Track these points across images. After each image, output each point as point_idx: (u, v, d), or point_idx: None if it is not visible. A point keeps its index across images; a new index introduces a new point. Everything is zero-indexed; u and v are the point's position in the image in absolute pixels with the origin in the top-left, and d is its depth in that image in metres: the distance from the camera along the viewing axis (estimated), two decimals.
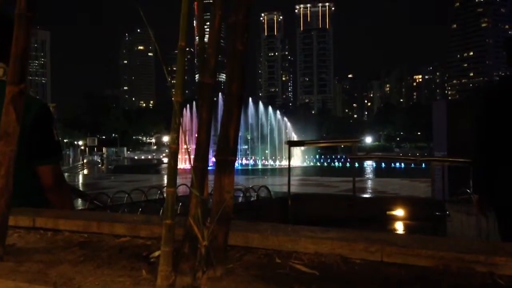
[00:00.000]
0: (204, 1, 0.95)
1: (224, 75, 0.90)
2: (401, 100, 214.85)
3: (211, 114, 0.85)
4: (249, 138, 56.17)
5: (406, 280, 0.84)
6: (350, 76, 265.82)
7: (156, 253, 1.01)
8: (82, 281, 0.84)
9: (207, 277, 0.79)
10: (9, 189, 1.04)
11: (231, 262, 0.94)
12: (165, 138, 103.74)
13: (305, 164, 49.48)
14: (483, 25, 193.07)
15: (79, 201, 5.60)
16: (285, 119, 57.48)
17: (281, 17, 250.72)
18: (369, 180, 18.25)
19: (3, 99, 1.07)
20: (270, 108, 58.38)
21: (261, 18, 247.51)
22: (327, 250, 0.99)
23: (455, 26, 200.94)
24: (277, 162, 50.63)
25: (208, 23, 0.93)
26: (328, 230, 1.11)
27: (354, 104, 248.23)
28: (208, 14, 0.90)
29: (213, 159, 0.88)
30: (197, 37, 0.98)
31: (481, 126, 2.77)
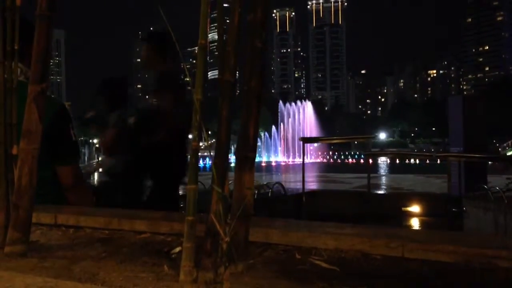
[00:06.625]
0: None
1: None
2: (415, 95, 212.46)
3: (231, 111, 0.85)
4: (261, 134, 56.20)
5: (428, 276, 0.84)
6: (363, 72, 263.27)
7: (177, 249, 1.02)
8: (106, 277, 0.85)
9: (229, 273, 0.80)
10: (33, 186, 1.06)
11: (252, 258, 0.95)
12: None
13: (318, 160, 49.41)
14: (499, 18, 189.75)
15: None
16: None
17: (293, 13, 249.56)
18: (384, 177, 18.11)
19: (23, 98, 1.08)
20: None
21: (273, 15, 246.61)
22: (347, 246, 0.99)
23: (469, 20, 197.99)
24: (290, 159, 50.65)
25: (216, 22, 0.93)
26: (347, 226, 1.11)
27: (367, 100, 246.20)
28: (215, 12, 0.90)
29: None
30: (210, 35, 0.98)
31: None
